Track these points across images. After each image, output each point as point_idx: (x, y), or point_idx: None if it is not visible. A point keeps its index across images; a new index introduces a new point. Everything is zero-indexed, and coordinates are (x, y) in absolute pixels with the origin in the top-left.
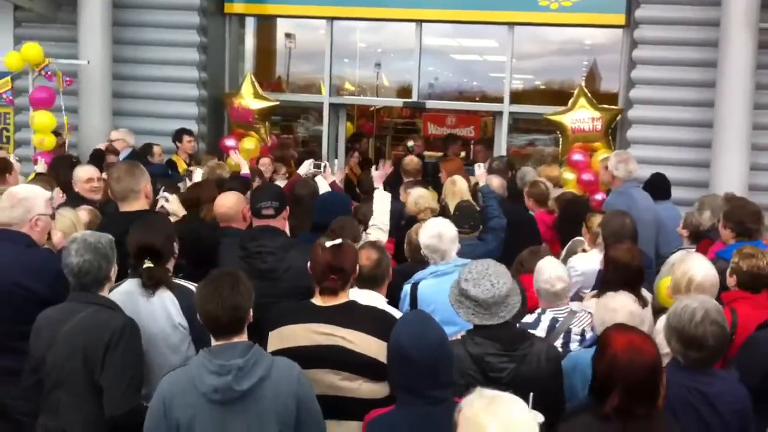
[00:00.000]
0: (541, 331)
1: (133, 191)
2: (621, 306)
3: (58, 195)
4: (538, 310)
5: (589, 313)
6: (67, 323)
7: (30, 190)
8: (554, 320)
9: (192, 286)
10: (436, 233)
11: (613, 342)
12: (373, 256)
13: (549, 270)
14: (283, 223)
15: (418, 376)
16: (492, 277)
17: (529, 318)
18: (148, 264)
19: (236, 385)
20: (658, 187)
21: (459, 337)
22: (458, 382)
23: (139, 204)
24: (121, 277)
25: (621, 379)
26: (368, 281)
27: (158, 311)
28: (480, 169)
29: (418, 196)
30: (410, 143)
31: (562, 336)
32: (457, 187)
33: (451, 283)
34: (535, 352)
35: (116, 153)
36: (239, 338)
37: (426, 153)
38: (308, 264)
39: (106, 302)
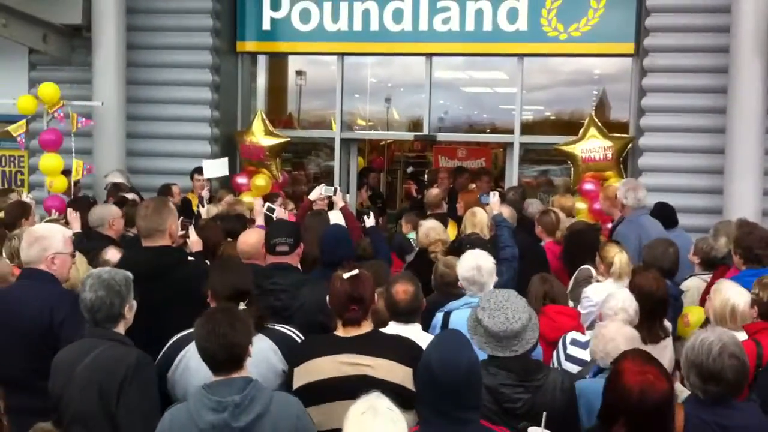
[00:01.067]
0: (588, 353)
1: (159, 230)
2: (617, 332)
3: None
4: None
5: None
6: (83, 361)
7: (48, 229)
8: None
9: (286, 330)
10: (475, 266)
11: (627, 373)
12: (409, 289)
13: (617, 301)
14: (296, 260)
15: (445, 398)
16: (509, 311)
17: None
18: (243, 306)
19: (233, 422)
20: (665, 216)
21: None
22: None
23: (163, 241)
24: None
25: (629, 412)
26: (407, 314)
27: (257, 357)
28: (494, 197)
29: (429, 228)
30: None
31: (594, 367)
32: (477, 219)
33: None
34: (550, 382)
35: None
36: (238, 374)
37: None
38: (326, 298)
39: (121, 338)
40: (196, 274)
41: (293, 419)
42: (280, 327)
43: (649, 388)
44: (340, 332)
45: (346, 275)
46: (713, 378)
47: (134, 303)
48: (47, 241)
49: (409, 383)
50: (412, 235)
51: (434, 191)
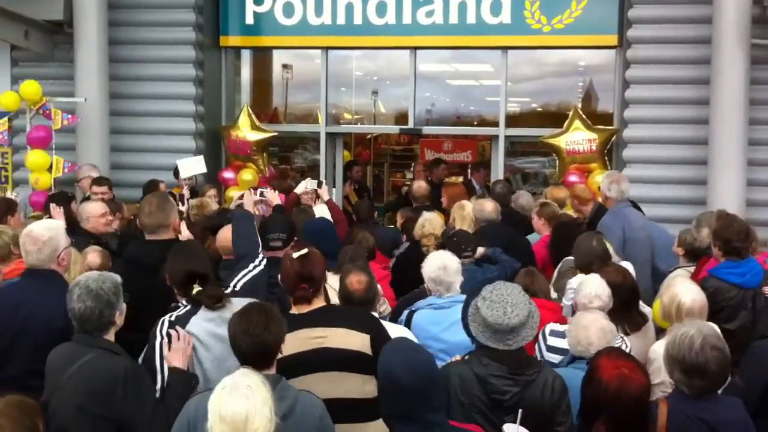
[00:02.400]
0: (566, 342)
1: (163, 226)
2: (591, 322)
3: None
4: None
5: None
6: (70, 368)
7: (50, 228)
8: None
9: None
10: (441, 265)
11: (602, 369)
12: (363, 279)
13: (591, 287)
14: None
15: (413, 402)
16: (508, 306)
17: None
18: (197, 288)
19: None
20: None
21: (458, 358)
22: (464, 403)
23: (167, 235)
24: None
25: (608, 409)
26: (361, 304)
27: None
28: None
29: (425, 220)
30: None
31: (567, 355)
32: (466, 212)
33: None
34: (541, 379)
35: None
36: (268, 371)
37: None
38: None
39: (109, 347)
40: None
41: (316, 420)
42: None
43: (626, 382)
44: (294, 310)
45: (295, 255)
46: (698, 372)
47: (124, 307)
48: (55, 241)
49: (367, 349)
50: None
51: (420, 184)
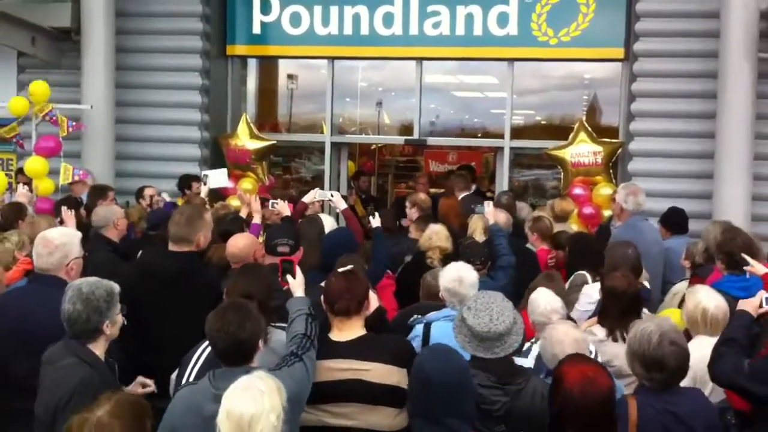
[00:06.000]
0: (530, 360)
1: (186, 240)
2: (564, 335)
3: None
4: (531, 339)
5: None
6: (52, 367)
7: (65, 235)
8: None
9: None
10: (457, 277)
11: (566, 376)
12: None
13: (545, 302)
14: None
15: (438, 401)
16: (494, 313)
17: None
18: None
19: None
20: (676, 222)
21: None
22: None
23: (188, 248)
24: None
25: (575, 413)
26: None
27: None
28: (489, 206)
29: (432, 232)
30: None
31: (545, 369)
32: (470, 223)
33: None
34: (530, 388)
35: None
36: (246, 365)
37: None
38: (320, 300)
39: (84, 355)
40: (217, 280)
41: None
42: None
43: (590, 385)
44: (335, 334)
45: (341, 270)
46: (656, 366)
47: (118, 318)
48: (67, 247)
49: (404, 383)
50: None
51: (422, 196)
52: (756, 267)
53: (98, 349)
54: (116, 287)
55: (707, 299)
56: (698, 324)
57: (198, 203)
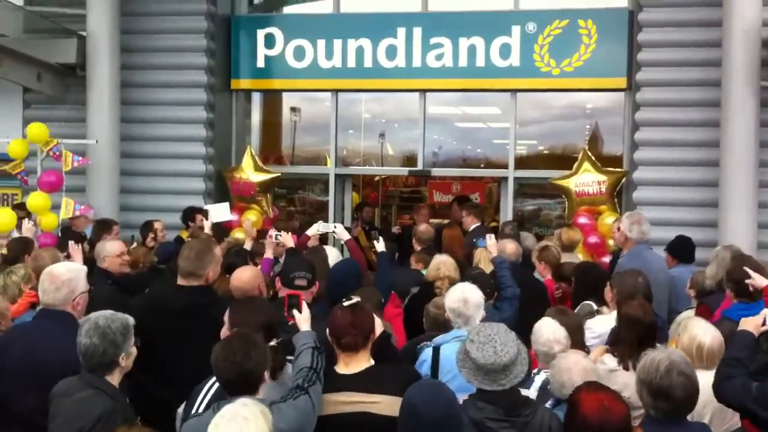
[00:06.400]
0: (533, 391)
1: (196, 274)
2: (574, 364)
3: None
4: (534, 370)
5: None
6: (68, 399)
7: (71, 270)
8: (546, 381)
9: None
10: (462, 298)
11: (582, 403)
12: None
13: (548, 332)
14: (309, 297)
15: None
16: (497, 344)
17: None
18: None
19: None
20: (683, 250)
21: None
22: None
23: (197, 282)
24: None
25: None
26: None
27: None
28: (491, 239)
29: (440, 263)
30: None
31: (552, 399)
32: (475, 253)
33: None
34: (537, 419)
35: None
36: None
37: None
38: (326, 333)
39: (104, 387)
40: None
41: None
42: None
43: (607, 413)
44: (341, 367)
45: (345, 304)
46: (662, 395)
47: (133, 350)
48: (74, 283)
49: None
50: (424, 272)
51: (424, 227)
52: (757, 280)
53: (114, 381)
54: (131, 320)
55: (703, 333)
56: (693, 358)
57: (206, 237)
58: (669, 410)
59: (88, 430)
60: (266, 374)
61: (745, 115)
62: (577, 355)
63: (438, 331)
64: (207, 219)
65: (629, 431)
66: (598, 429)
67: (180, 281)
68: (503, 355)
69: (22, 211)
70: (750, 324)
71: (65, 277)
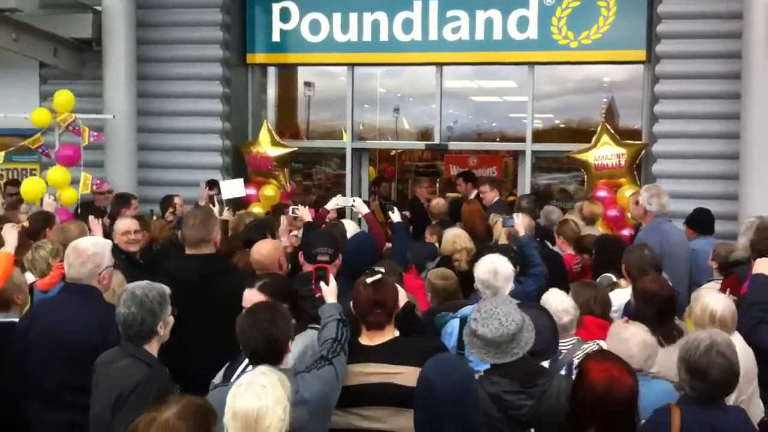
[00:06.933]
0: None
1: (204, 240)
2: (633, 335)
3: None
4: None
5: (597, 344)
6: (108, 368)
7: (96, 244)
8: (558, 352)
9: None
10: (493, 269)
11: (591, 371)
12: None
13: (556, 303)
14: (333, 270)
15: (443, 412)
16: (501, 316)
17: None
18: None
19: None
20: (702, 222)
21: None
22: (482, 423)
23: (208, 250)
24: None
25: (596, 410)
26: None
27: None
28: (518, 219)
29: (454, 236)
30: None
31: (565, 368)
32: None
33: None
34: (554, 388)
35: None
36: (280, 367)
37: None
38: (349, 305)
39: (142, 356)
40: (241, 283)
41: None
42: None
43: (615, 384)
44: (365, 339)
45: (369, 280)
46: (699, 374)
47: (170, 319)
48: (99, 257)
49: None
50: (437, 245)
51: (439, 201)
52: None
53: (152, 350)
54: (167, 289)
55: (714, 302)
56: (707, 327)
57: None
58: (705, 390)
59: (126, 396)
60: (290, 343)
61: (765, 87)
62: (637, 326)
63: (449, 301)
64: (214, 189)
65: (635, 404)
66: (603, 398)
67: (189, 251)
68: (509, 324)
69: (14, 187)
70: (767, 266)
71: (91, 251)
